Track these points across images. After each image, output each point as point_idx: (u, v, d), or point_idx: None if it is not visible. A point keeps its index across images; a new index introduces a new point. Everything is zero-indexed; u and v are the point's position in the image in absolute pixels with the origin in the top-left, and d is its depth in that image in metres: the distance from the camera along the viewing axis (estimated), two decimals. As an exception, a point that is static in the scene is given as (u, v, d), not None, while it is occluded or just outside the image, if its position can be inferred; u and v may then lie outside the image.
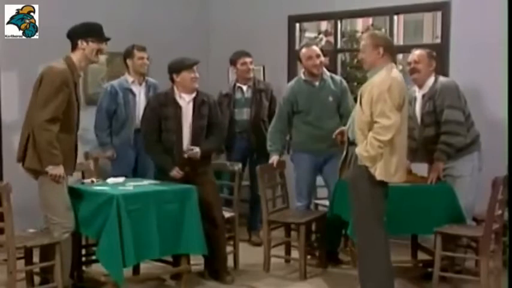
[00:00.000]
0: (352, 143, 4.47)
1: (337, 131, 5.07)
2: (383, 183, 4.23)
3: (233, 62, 6.26)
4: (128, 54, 5.94)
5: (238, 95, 6.24)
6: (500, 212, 4.57)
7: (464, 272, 4.95)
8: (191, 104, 5.07)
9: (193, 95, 5.08)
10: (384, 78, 4.20)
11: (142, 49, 5.94)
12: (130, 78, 5.93)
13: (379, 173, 4.16)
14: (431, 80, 5.07)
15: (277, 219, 5.43)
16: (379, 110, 4.11)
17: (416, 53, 5.13)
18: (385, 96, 4.11)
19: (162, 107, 5.04)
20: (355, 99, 4.72)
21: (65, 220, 4.36)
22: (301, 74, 5.69)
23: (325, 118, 5.48)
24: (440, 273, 4.70)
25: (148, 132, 5.10)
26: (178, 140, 4.99)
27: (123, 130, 5.88)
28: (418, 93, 5.13)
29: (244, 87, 6.24)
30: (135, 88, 5.93)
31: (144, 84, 5.97)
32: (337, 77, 5.82)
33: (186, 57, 5.17)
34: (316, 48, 5.60)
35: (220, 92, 6.23)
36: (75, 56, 4.50)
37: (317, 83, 5.57)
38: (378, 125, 4.11)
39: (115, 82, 5.95)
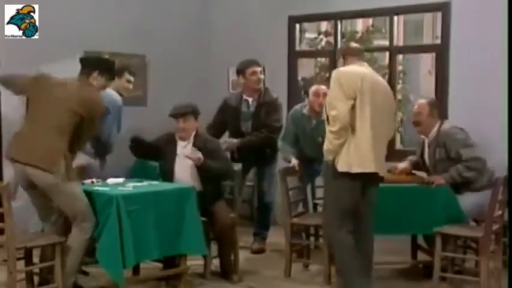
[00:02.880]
0: None
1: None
2: (351, 176, 4.22)
3: (241, 72, 5.92)
4: (118, 72, 5.76)
5: (244, 108, 5.98)
6: (500, 212, 4.56)
7: (464, 272, 4.95)
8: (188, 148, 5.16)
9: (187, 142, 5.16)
10: (334, 72, 4.37)
11: (132, 74, 5.79)
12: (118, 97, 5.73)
13: (340, 164, 4.23)
14: (436, 127, 5.09)
15: (300, 222, 5.32)
16: (329, 103, 4.28)
17: (418, 103, 5.21)
18: (334, 88, 4.25)
19: (166, 145, 5.22)
20: None
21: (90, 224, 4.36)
22: (306, 107, 5.70)
23: (318, 154, 5.48)
24: (440, 274, 4.70)
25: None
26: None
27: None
28: (426, 141, 5.19)
29: (250, 100, 5.95)
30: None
31: None
32: None
33: (189, 103, 5.25)
34: (324, 88, 5.50)
35: (226, 102, 6.05)
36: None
37: (314, 122, 5.63)
38: (329, 117, 4.24)
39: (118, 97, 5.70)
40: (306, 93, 5.78)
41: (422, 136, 5.23)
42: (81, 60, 4.63)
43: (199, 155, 5.04)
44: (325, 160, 4.37)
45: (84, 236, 4.33)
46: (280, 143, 5.89)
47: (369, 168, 4.23)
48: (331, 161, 4.26)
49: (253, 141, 5.89)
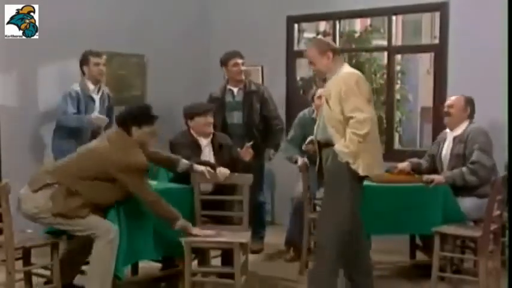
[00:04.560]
0: (324, 146, 4.33)
1: (308, 140, 4.77)
2: (361, 179, 4.21)
3: (224, 63, 6.01)
4: (83, 61, 5.79)
5: (228, 98, 6.00)
6: (498, 212, 4.57)
7: (463, 272, 4.96)
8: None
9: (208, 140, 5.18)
10: (349, 73, 4.23)
11: (99, 55, 5.78)
12: (90, 86, 5.76)
13: (362, 168, 4.10)
14: (465, 124, 5.13)
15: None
16: (351, 105, 4.09)
17: (453, 97, 5.25)
18: (355, 91, 4.11)
19: (188, 146, 5.13)
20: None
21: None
22: (314, 112, 5.67)
23: None
24: (439, 274, 4.70)
25: None
26: None
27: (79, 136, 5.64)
28: (449, 135, 5.20)
29: (235, 90, 6.00)
30: (94, 95, 5.79)
31: (100, 92, 5.84)
32: None
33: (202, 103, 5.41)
34: (321, 90, 5.49)
35: (211, 95, 6.05)
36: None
37: None
38: (353, 120, 4.08)
39: (77, 88, 5.71)
40: (305, 92, 5.78)
41: (448, 130, 5.23)
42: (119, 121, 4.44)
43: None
44: (337, 161, 4.16)
45: (106, 243, 4.20)
46: (284, 145, 5.86)
47: (382, 168, 4.32)
48: (348, 163, 4.13)
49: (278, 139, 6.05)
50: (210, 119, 5.12)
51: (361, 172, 4.12)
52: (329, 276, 4.26)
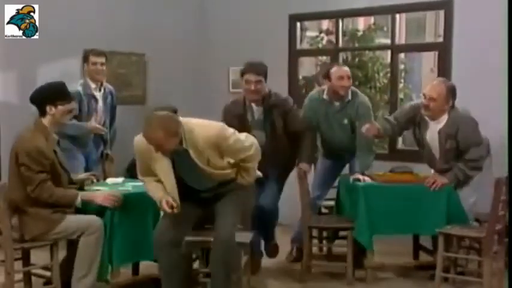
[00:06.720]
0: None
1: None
2: None
3: (241, 74, 5.18)
4: (84, 58, 5.78)
5: (249, 116, 5.18)
6: (502, 212, 4.53)
7: (467, 273, 4.92)
8: None
9: None
10: (209, 129, 4.01)
11: (99, 54, 5.74)
12: (92, 84, 5.74)
13: None
14: (446, 113, 4.91)
15: (321, 225, 5.34)
16: (235, 151, 4.10)
17: (435, 86, 4.91)
18: (227, 138, 4.03)
19: None
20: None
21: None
22: (324, 92, 5.40)
23: (343, 138, 5.39)
24: (442, 275, 4.67)
25: None
26: None
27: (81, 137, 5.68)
28: (432, 126, 4.97)
29: (255, 107, 5.16)
30: (96, 93, 5.77)
31: (102, 90, 5.82)
32: (358, 100, 5.33)
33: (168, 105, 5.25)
34: (347, 69, 5.35)
35: (229, 110, 5.25)
36: (46, 121, 4.27)
37: (337, 104, 5.34)
38: (247, 155, 4.14)
39: (79, 87, 5.65)
40: (326, 77, 5.50)
41: (425, 115, 4.98)
42: (32, 102, 4.33)
43: None
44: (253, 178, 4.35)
45: (90, 234, 4.20)
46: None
47: None
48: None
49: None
50: None
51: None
52: None
